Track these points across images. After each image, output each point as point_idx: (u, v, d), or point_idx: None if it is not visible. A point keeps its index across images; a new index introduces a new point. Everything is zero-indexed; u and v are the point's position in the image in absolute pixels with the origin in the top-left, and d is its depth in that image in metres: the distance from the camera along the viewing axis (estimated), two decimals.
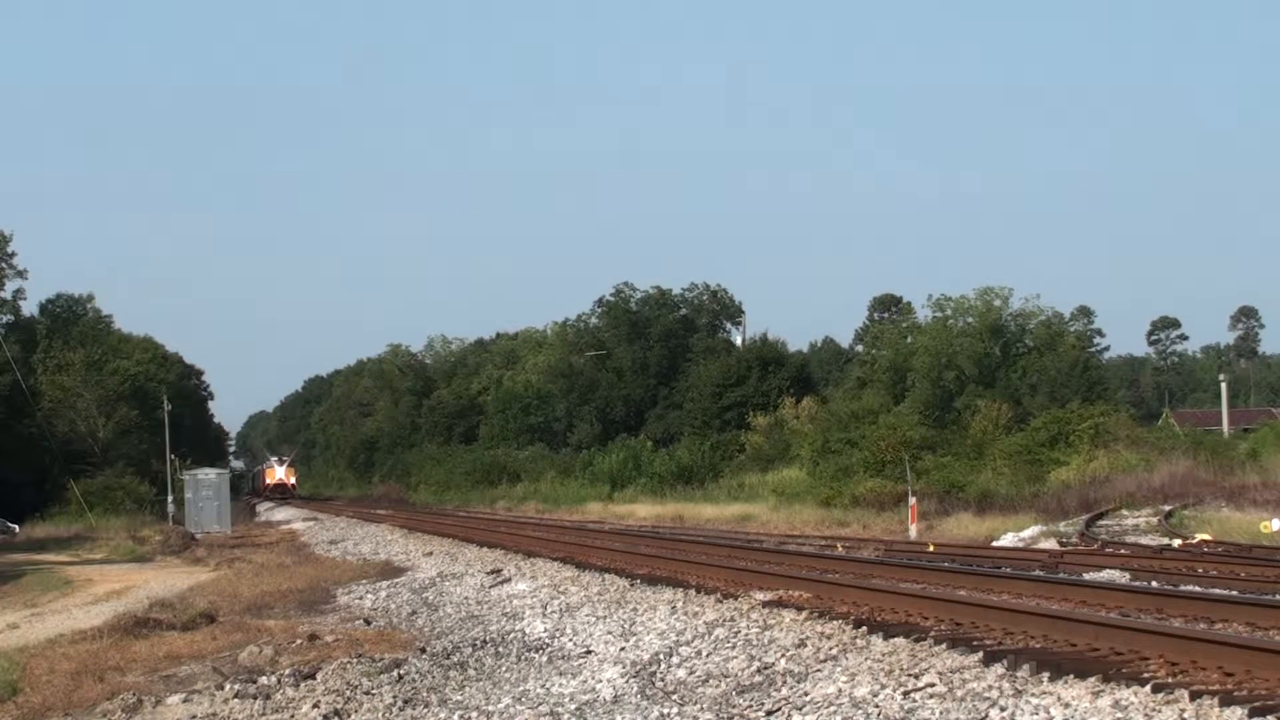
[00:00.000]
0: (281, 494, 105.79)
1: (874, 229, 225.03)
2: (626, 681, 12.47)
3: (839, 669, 11.14)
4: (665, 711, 10.94)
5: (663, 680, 12.30)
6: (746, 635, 13.37)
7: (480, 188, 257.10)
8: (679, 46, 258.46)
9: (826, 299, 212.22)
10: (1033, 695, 9.25)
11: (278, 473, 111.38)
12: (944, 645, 11.19)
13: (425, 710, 12.04)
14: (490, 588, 22.01)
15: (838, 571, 18.85)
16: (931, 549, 25.26)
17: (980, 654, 10.57)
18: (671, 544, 28.34)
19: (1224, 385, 79.15)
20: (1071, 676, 9.49)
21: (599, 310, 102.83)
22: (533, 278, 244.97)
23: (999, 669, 10.08)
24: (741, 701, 10.84)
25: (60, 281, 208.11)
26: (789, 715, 10.15)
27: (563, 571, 21.91)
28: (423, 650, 15.62)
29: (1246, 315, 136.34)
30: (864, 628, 12.51)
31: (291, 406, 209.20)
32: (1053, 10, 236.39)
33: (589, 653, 14.33)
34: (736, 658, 12.49)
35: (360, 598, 23.33)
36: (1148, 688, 8.93)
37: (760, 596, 15.75)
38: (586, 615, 16.78)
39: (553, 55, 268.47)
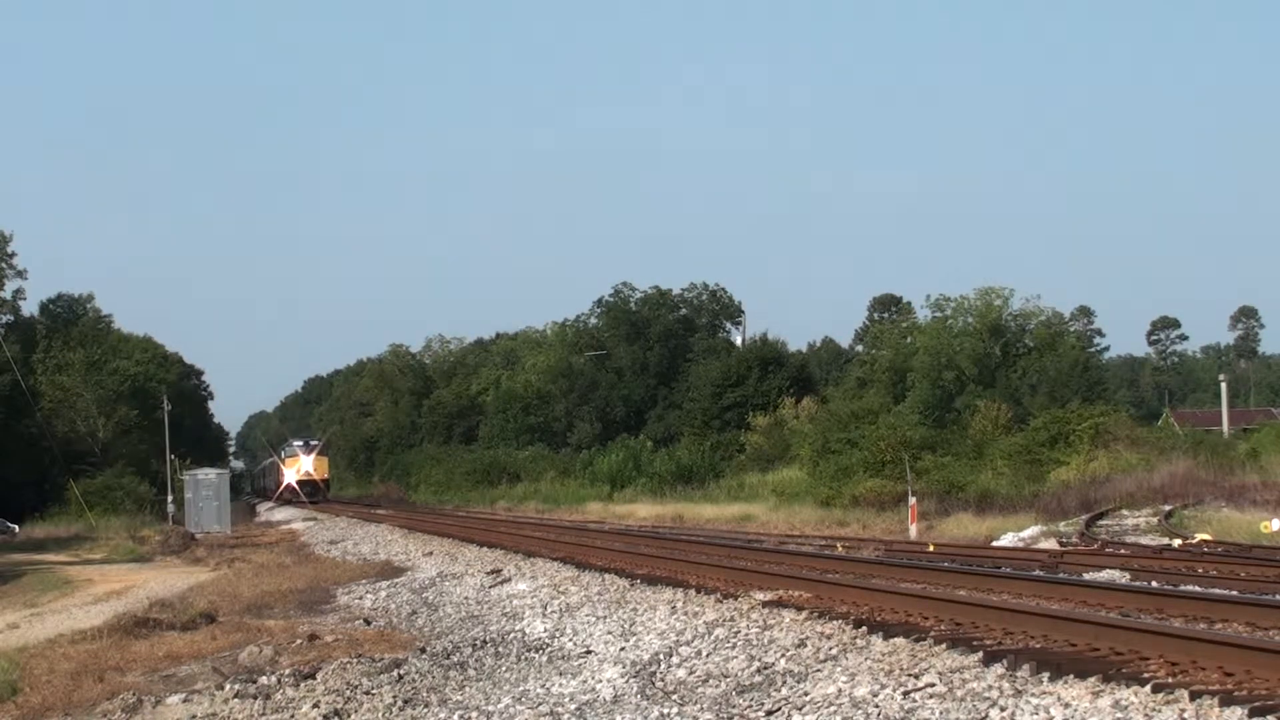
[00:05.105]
0: (310, 493, 79.35)
1: (874, 229, 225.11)
2: (626, 681, 12.47)
3: (839, 669, 11.14)
4: (665, 711, 10.94)
5: (663, 680, 12.30)
6: (746, 635, 13.36)
7: (480, 187, 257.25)
8: (679, 46, 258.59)
9: (826, 299, 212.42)
10: (1033, 695, 9.25)
11: (303, 463, 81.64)
12: (944, 645, 11.19)
13: (425, 710, 12.04)
14: (490, 588, 22.00)
15: (838, 571, 18.84)
16: (931, 549, 25.25)
17: (980, 654, 10.57)
18: (671, 544, 28.33)
19: (1224, 385, 79.17)
20: (1071, 676, 9.49)
21: (599, 310, 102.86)
22: (533, 278, 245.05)
23: (999, 669, 10.08)
24: (741, 701, 10.83)
25: (60, 281, 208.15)
26: (789, 715, 10.14)
27: (563, 571, 21.90)
28: (423, 650, 15.63)
29: (1246, 315, 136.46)
30: (864, 628, 12.50)
31: (291, 406, 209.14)
32: (1054, 10, 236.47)
33: (589, 653, 14.32)
34: (736, 658, 12.48)
35: (360, 598, 23.34)
36: (1148, 688, 8.93)
37: (760, 596, 15.74)
38: (586, 615, 16.77)
39: (552, 55, 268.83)
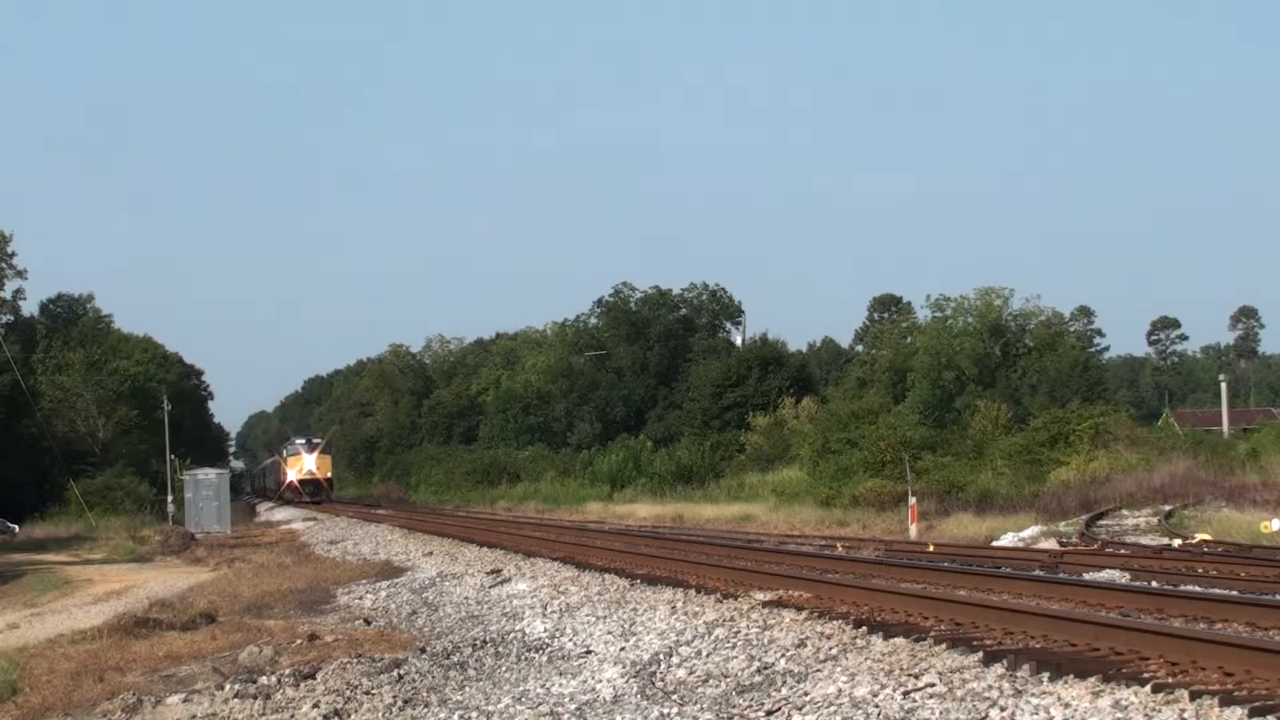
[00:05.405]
0: (313, 492, 78.80)
1: (874, 229, 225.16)
2: (626, 681, 12.47)
3: (839, 669, 11.14)
4: (665, 711, 10.94)
5: (663, 680, 12.30)
6: (746, 635, 13.36)
7: (480, 187, 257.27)
8: (679, 46, 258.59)
9: (826, 299, 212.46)
10: (1033, 695, 9.25)
11: (306, 462, 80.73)
12: (944, 645, 11.18)
13: (425, 710, 12.04)
14: (490, 588, 22.00)
15: (838, 571, 18.83)
16: (931, 549, 25.25)
17: (980, 654, 10.57)
18: (671, 544, 28.33)
19: (1224, 385, 79.16)
20: (1071, 676, 9.48)
21: (599, 310, 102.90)
22: (533, 278, 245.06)
23: (999, 669, 10.08)
24: (741, 701, 10.83)
25: (60, 281, 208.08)
26: (789, 715, 10.14)
27: (563, 571, 21.89)
28: (423, 650, 15.63)
29: (1246, 315, 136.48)
30: (864, 628, 12.50)
31: (291, 406, 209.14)
32: (1054, 10, 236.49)
33: (589, 653, 14.32)
34: (736, 658, 12.48)
35: (360, 598, 23.33)
36: (1148, 688, 8.93)
37: (760, 596, 15.74)
38: (586, 615, 16.77)
39: (552, 55, 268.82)
